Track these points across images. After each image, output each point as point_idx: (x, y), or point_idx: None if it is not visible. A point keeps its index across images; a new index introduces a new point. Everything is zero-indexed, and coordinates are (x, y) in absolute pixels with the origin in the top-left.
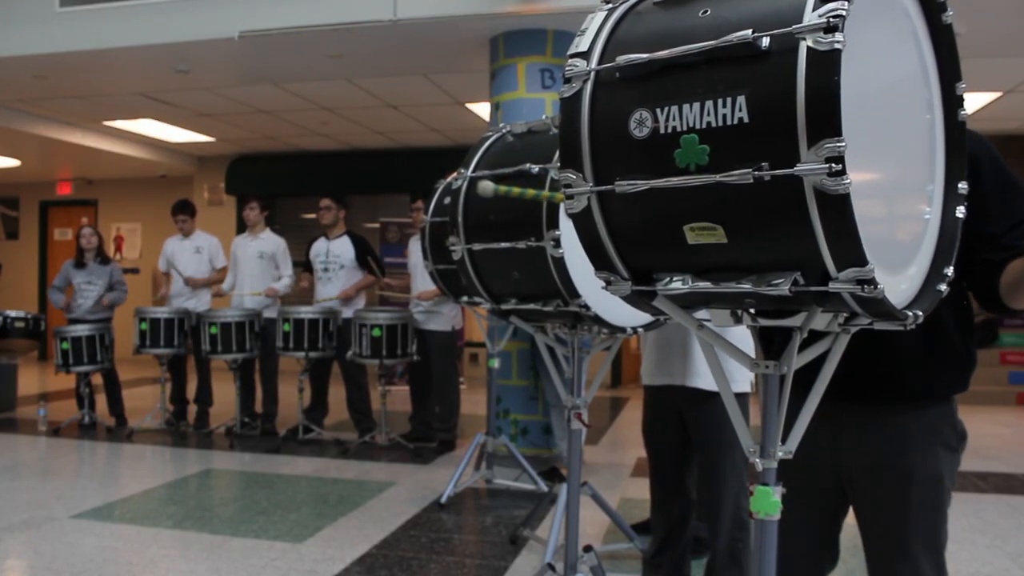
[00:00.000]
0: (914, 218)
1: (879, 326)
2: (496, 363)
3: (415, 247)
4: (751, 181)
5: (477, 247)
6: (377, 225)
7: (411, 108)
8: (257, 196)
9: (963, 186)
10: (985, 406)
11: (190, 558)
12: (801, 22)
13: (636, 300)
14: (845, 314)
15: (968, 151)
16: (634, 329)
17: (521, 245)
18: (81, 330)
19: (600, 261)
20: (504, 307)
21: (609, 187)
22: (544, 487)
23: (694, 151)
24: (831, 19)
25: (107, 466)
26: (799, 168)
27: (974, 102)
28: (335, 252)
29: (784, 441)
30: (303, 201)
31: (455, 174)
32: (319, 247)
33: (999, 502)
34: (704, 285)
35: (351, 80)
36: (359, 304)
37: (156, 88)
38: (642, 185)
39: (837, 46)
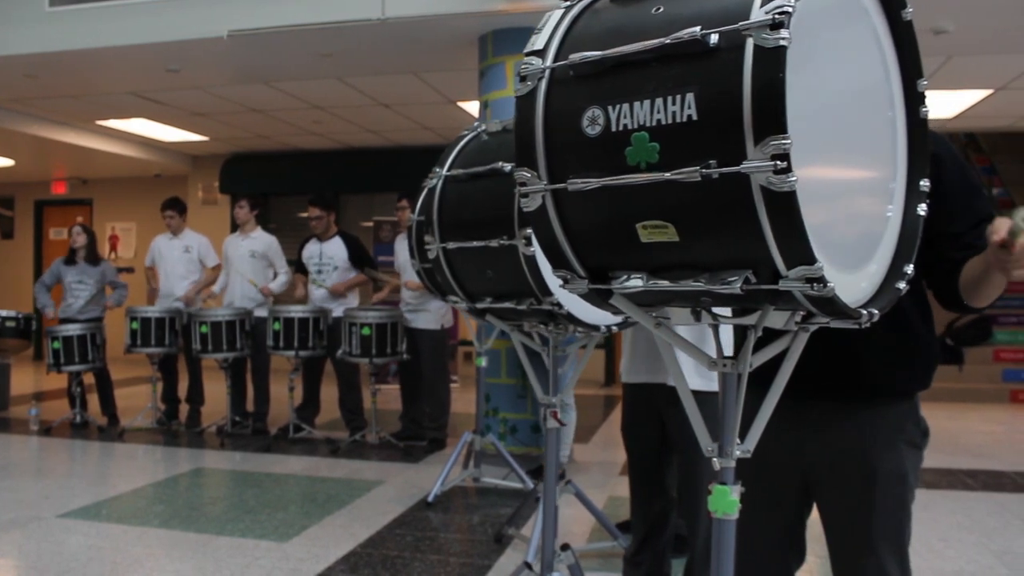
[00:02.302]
0: (875, 216)
1: (835, 325)
2: (483, 361)
3: (401, 246)
4: (699, 179)
5: (452, 246)
6: (371, 224)
7: (403, 107)
8: (248, 195)
9: (925, 183)
10: (978, 404)
11: (175, 557)
12: (748, 19)
13: (594, 299)
14: (802, 312)
15: (931, 151)
16: (608, 327)
17: (494, 244)
18: (72, 329)
19: (556, 260)
20: (479, 306)
21: (562, 185)
22: (532, 485)
23: (644, 149)
24: (776, 16)
25: (97, 465)
26: (745, 165)
27: (966, 99)
28: (328, 254)
29: (743, 439)
30: (298, 200)
31: (430, 174)
32: (312, 249)
33: (988, 500)
34: (659, 283)
35: (342, 79)
36: (351, 303)
37: (147, 87)
38: (594, 183)
39: (783, 43)
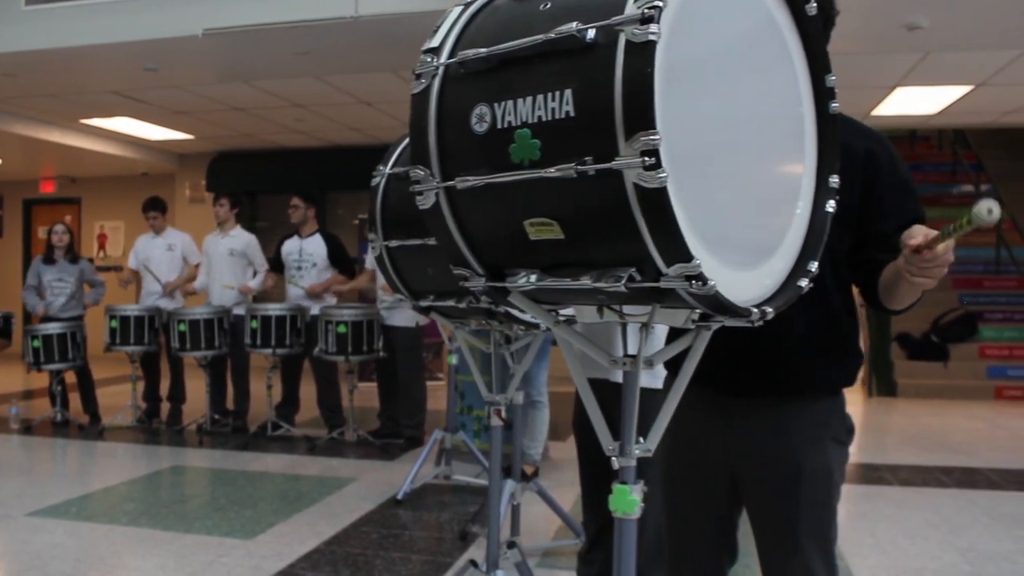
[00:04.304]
0: (783, 212)
1: (729, 323)
2: (455, 359)
3: None
4: (575, 176)
5: (394, 244)
6: (357, 222)
7: (385, 104)
8: (229, 193)
9: (834, 180)
10: (963, 400)
11: (139, 554)
12: (622, 14)
13: (494, 296)
14: (699, 310)
15: (868, 147)
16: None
17: (432, 242)
18: (52, 328)
19: (454, 257)
20: (423, 303)
21: (452, 183)
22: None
23: (527, 146)
24: (646, 11)
25: (74, 463)
26: (617, 162)
27: (947, 96)
28: (308, 251)
29: (645, 438)
30: (286, 198)
31: (374, 171)
32: (292, 245)
33: (959, 497)
34: (551, 282)
35: (321, 77)
36: (328, 301)
37: (128, 86)
38: (480, 181)
39: (652, 38)
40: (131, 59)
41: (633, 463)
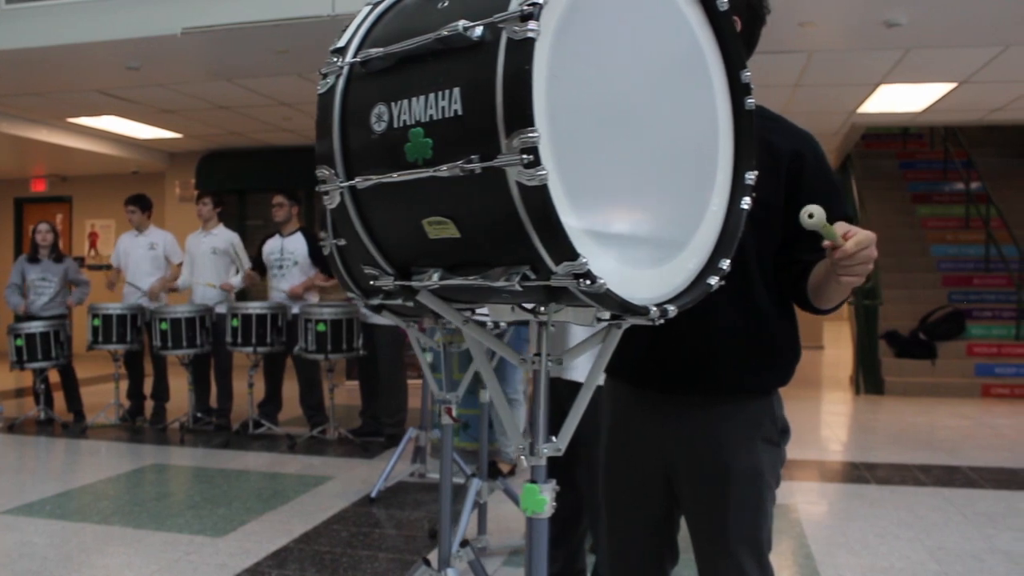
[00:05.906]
0: (694, 209)
1: (631, 321)
2: (430, 357)
3: None
4: (462, 175)
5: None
6: None
7: None
8: (212, 192)
9: (751, 177)
10: (950, 398)
11: (107, 552)
12: (506, 11)
13: (403, 295)
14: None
15: (795, 148)
16: (496, 324)
17: None
18: (36, 327)
19: (363, 256)
20: (373, 302)
21: (353, 182)
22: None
23: (420, 145)
24: (525, 8)
25: (55, 462)
26: (499, 160)
27: (931, 93)
28: (289, 249)
29: (557, 436)
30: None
31: None
32: (273, 244)
33: (935, 495)
34: (457, 280)
35: (303, 76)
36: (310, 299)
37: (111, 85)
38: (375, 180)
39: (530, 35)
40: (112, 58)
41: (543, 462)
